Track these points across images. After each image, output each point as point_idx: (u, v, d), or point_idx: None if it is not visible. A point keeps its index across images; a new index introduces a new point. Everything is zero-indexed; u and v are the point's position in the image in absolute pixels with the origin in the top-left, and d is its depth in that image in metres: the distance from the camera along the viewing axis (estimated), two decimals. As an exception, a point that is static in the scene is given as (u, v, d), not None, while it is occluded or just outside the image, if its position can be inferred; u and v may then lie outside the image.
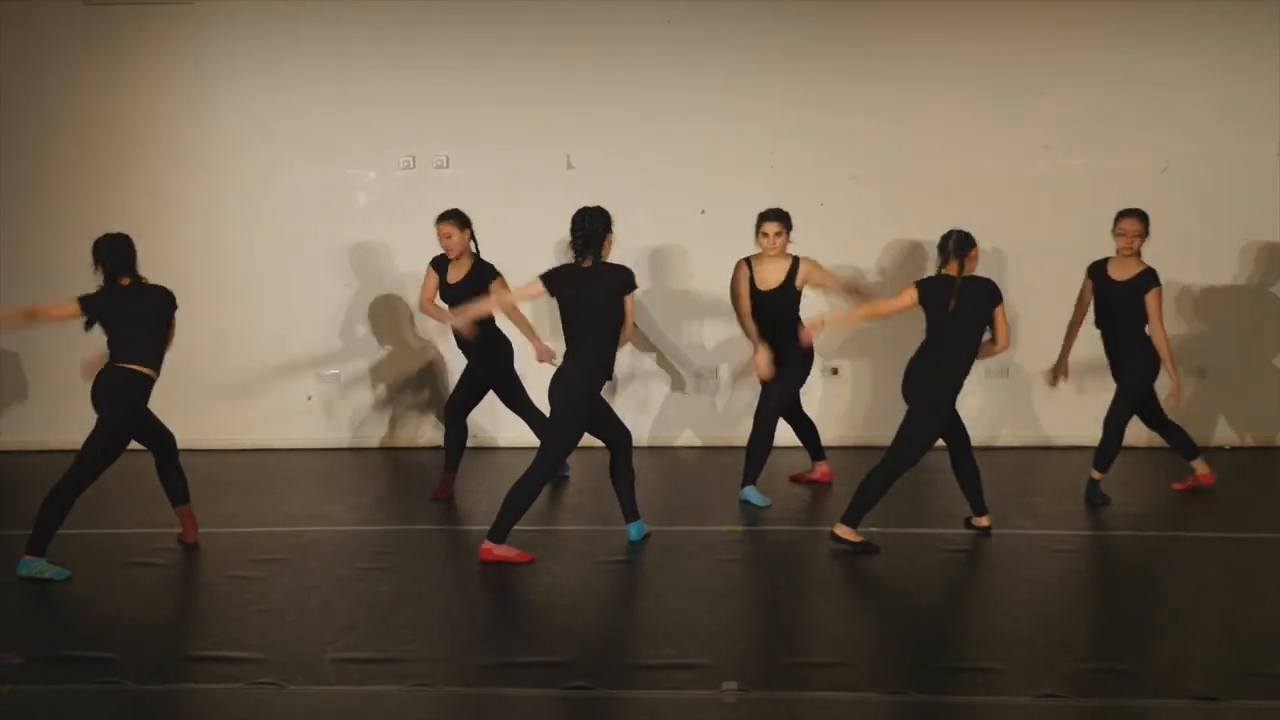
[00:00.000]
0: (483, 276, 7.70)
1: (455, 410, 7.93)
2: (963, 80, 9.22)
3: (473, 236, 7.81)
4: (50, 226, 9.41)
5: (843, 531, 6.68)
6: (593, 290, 6.57)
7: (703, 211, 9.31)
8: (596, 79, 9.32)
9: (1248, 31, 9.14)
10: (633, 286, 6.66)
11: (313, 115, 9.40)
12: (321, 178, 9.42)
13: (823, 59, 9.27)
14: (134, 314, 6.53)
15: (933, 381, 6.76)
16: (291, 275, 9.44)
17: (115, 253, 6.57)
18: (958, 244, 6.75)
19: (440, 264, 7.84)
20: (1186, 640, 5.38)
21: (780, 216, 7.64)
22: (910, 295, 6.80)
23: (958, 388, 6.80)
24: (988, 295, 6.70)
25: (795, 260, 7.65)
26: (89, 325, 6.57)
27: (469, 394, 7.93)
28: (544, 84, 9.33)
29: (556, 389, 6.58)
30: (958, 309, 6.67)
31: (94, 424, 6.46)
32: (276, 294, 9.44)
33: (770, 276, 7.65)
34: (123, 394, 6.46)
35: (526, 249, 9.38)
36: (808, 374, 7.80)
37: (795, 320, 7.59)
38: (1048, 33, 9.21)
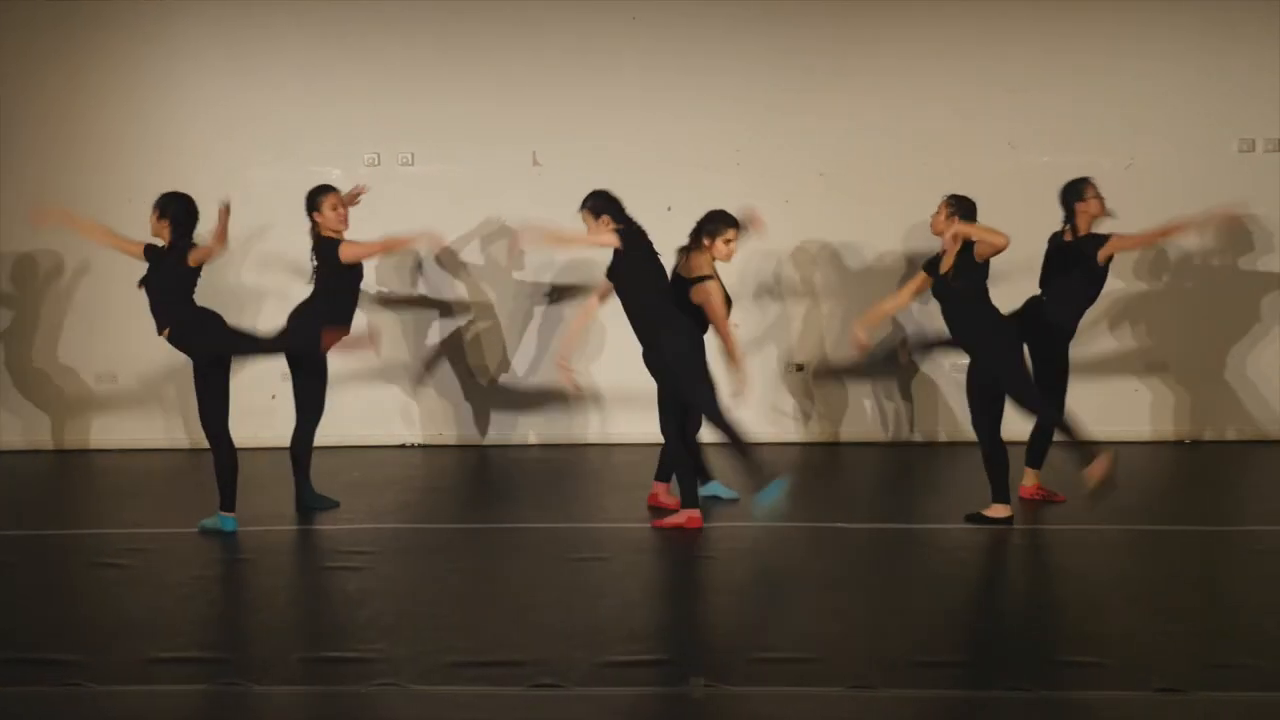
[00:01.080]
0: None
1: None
2: (928, 77, 9.26)
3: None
4: (15, 225, 9.34)
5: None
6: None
7: (669, 209, 9.30)
8: (561, 75, 9.32)
9: (1210, 29, 9.23)
10: None
11: (278, 112, 9.36)
12: (286, 174, 9.36)
13: (788, 56, 9.29)
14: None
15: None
16: (257, 272, 9.40)
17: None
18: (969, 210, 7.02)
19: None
20: (1152, 633, 5.41)
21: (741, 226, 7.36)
22: (921, 278, 7.12)
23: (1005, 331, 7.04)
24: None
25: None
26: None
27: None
28: (509, 81, 9.31)
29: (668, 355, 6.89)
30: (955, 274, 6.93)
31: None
32: (243, 292, 9.39)
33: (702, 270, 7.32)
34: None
35: (492, 246, 9.40)
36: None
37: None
38: (1012, 30, 9.27)
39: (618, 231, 6.98)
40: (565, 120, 9.33)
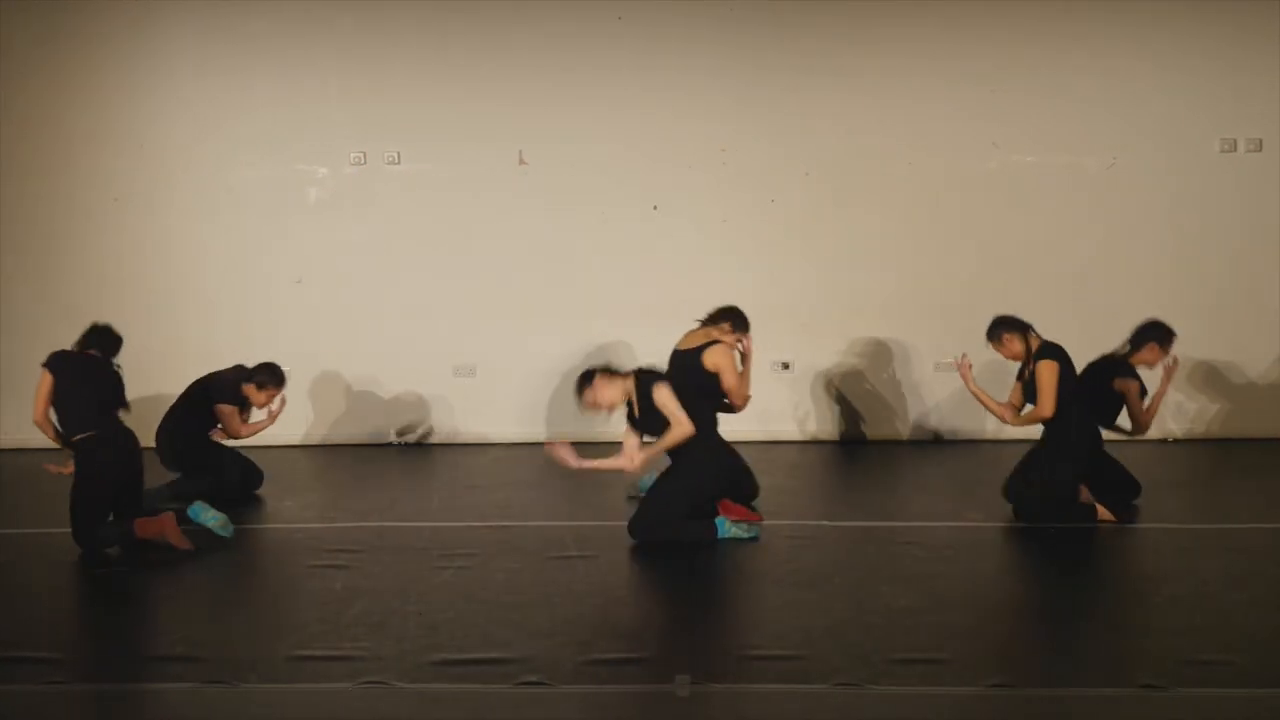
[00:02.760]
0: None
1: None
2: (913, 77, 9.29)
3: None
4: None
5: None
6: None
7: (655, 208, 9.33)
8: (547, 75, 9.32)
9: (1192, 29, 9.28)
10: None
11: (264, 111, 9.35)
12: (273, 174, 9.37)
13: (773, 55, 9.31)
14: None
15: None
16: (242, 271, 9.39)
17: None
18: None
19: None
20: (1133, 629, 5.45)
21: None
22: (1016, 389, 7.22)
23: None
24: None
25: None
26: None
27: None
28: (495, 80, 9.32)
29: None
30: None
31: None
32: (228, 290, 9.39)
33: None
34: None
35: (477, 245, 9.40)
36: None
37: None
38: (996, 30, 9.30)
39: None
40: (551, 119, 9.33)
